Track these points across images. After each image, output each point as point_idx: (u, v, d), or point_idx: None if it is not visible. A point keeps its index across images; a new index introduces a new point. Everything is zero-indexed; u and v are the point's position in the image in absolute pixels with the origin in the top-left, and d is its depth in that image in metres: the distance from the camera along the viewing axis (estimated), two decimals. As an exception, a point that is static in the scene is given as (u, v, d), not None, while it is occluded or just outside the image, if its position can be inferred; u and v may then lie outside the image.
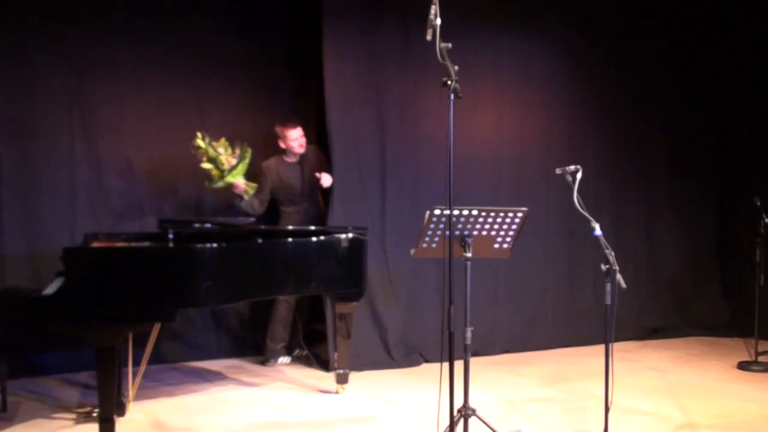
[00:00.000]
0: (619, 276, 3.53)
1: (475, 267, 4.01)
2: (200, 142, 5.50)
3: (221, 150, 5.54)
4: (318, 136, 6.39)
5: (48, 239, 5.58)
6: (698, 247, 7.41)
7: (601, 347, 3.75)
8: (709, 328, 7.28)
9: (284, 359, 6.19)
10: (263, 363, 6.13)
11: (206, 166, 5.56)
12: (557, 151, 6.64)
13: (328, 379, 5.62)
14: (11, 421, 4.57)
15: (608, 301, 3.58)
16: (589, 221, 3.63)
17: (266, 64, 6.39)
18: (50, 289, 4.22)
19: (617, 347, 6.28)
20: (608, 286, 3.56)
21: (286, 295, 5.80)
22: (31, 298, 4.16)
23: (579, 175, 3.79)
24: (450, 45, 3.56)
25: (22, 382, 5.35)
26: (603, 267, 3.56)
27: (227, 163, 5.54)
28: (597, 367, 3.86)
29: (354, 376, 5.53)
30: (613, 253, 3.55)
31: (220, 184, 5.63)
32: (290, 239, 4.91)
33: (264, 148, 6.15)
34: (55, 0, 5.69)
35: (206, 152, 5.51)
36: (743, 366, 6.03)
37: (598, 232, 3.63)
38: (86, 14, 5.78)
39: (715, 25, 7.29)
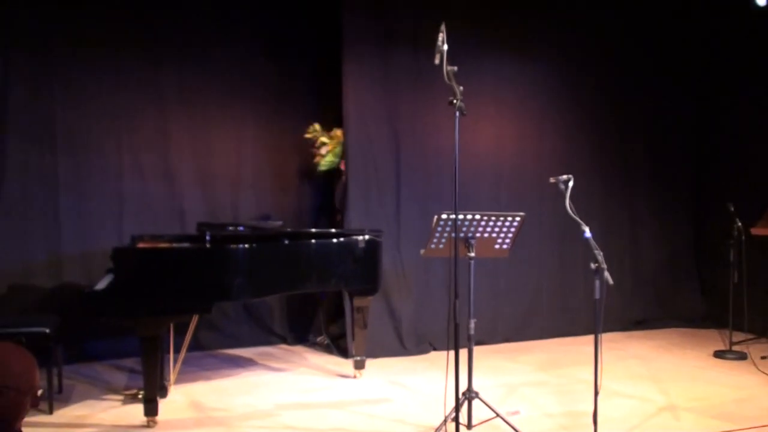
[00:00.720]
0: (606, 273, 3.49)
1: (478, 265, 4.01)
2: (316, 126, 6.09)
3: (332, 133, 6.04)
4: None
5: (99, 240, 5.60)
6: (677, 248, 7.35)
7: (591, 337, 3.72)
8: (688, 320, 7.21)
9: (322, 338, 6.34)
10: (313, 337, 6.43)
11: (323, 139, 6.05)
12: (551, 163, 6.59)
13: (346, 365, 5.61)
14: (67, 401, 4.59)
15: (597, 296, 3.54)
16: (579, 225, 3.60)
17: (291, 85, 6.39)
18: (101, 285, 4.25)
19: (605, 337, 6.24)
20: (597, 283, 3.52)
21: (310, 291, 5.78)
22: (84, 292, 4.19)
23: (571, 184, 3.76)
24: (456, 68, 3.56)
25: (76, 367, 5.39)
26: (592, 265, 3.52)
27: (338, 137, 6.00)
28: (587, 355, 3.83)
29: (370, 363, 5.51)
30: (601, 253, 3.52)
31: (332, 155, 6.02)
32: (313, 241, 4.91)
33: (290, 155, 6.32)
34: (106, 33, 5.73)
35: (320, 134, 6.04)
36: (719, 354, 5.97)
37: (587, 234, 3.59)
38: (134, 43, 5.82)
39: (689, 46, 7.23)
